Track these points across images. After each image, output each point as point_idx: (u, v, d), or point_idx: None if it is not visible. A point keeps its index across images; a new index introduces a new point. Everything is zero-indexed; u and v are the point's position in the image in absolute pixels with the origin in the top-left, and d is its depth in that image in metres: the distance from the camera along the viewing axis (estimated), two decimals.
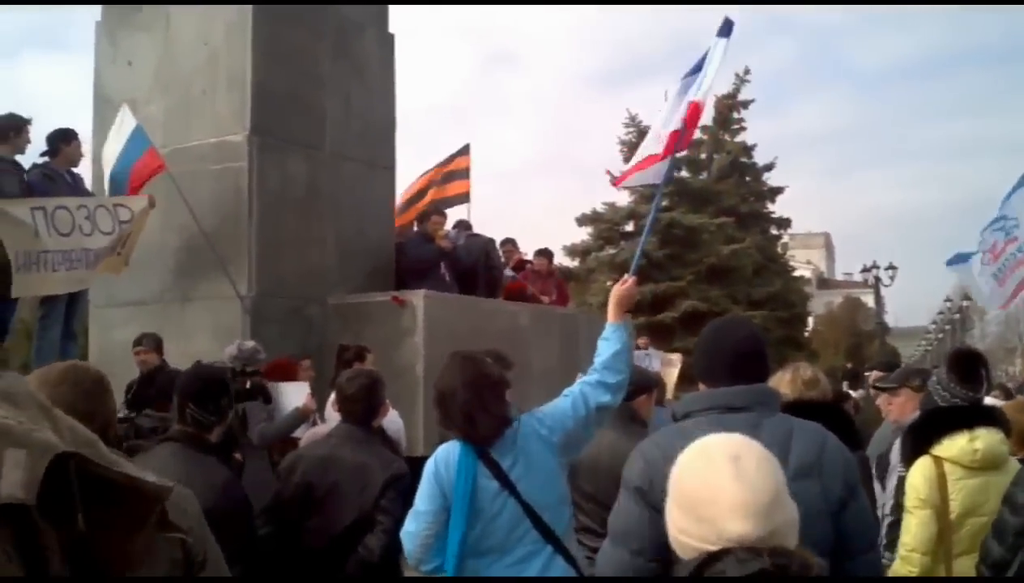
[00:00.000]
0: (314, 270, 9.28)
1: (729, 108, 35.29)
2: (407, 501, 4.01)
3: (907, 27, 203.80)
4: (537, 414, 3.63)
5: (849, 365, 21.72)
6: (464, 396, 3.47)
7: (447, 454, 3.54)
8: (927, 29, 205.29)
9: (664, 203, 32.39)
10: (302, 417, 6.75)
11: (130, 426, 6.10)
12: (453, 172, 12.63)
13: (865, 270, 38.04)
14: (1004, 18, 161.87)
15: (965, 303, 51.13)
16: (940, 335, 62.65)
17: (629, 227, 33.28)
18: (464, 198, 12.52)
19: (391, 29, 10.71)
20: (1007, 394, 9.73)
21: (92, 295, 8.76)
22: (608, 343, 3.71)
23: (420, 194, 12.54)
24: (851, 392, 10.77)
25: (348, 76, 9.93)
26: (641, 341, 11.37)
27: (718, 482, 1.70)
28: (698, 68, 5.48)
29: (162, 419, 5.58)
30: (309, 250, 9.27)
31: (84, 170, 8.75)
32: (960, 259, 10.97)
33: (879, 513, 4.42)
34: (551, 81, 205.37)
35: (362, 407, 4.70)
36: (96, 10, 9.94)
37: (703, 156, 35.49)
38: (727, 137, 35.52)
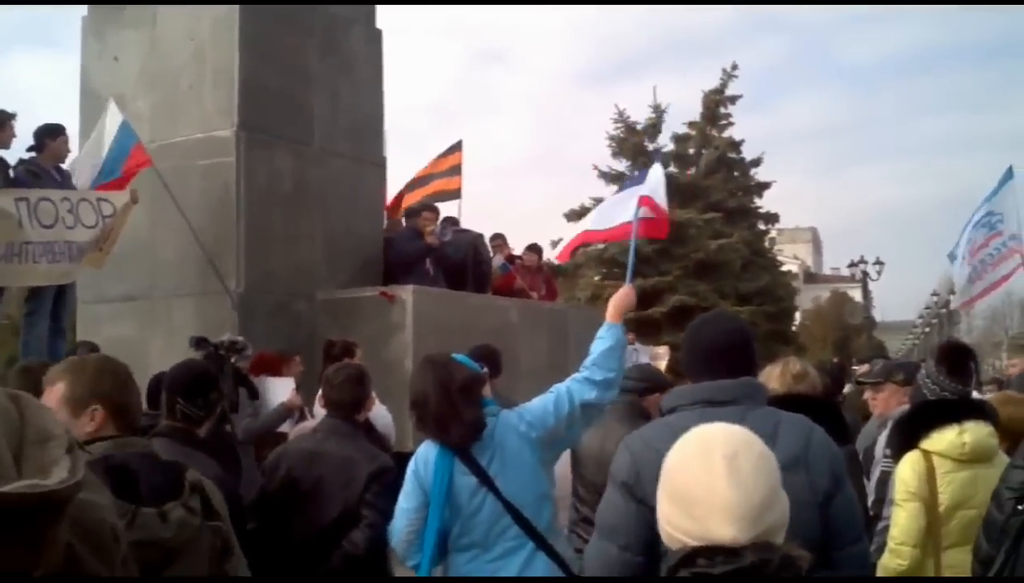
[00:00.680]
0: (302, 266, 9.27)
1: (717, 103, 35.35)
2: (392, 495, 4.03)
3: (898, 23, 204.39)
4: (519, 410, 3.65)
5: (836, 359, 21.79)
6: (435, 402, 3.51)
7: (426, 452, 3.60)
8: (918, 25, 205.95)
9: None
10: (287, 412, 6.75)
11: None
12: (446, 169, 12.65)
13: (852, 265, 38.32)
14: (996, 14, 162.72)
15: (951, 297, 51.39)
16: (927, 329, 62.87)
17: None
18: (456, 194, 12.54)
19: (379, 26, 10.72)
20: (1001, 387, 9.76)
21: (80, 291, 8.74)
22: (601, 341, 3.75)
23: (412, 187, 12.56)
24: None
25: (336, 72, 9.92)
26: (628, 336, 11.37)
27: (712, 482, 1.69)
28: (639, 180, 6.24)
29: (153, 416, 5.59)
30: (297, 246, 9.26)
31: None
32: (955, 254, 11.06)
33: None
34: (539, 78, 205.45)
35: (347, 401, 4.70)
36: (83, 7, 9.92)
37: (691, 151, 35.58)
38: (715, 132, 35.58)
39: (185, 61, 9.10)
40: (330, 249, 9.56)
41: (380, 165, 10.62)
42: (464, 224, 11.64)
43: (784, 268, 40.35)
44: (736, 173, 35.70)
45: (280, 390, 6.98)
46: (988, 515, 3.16)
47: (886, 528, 4.11)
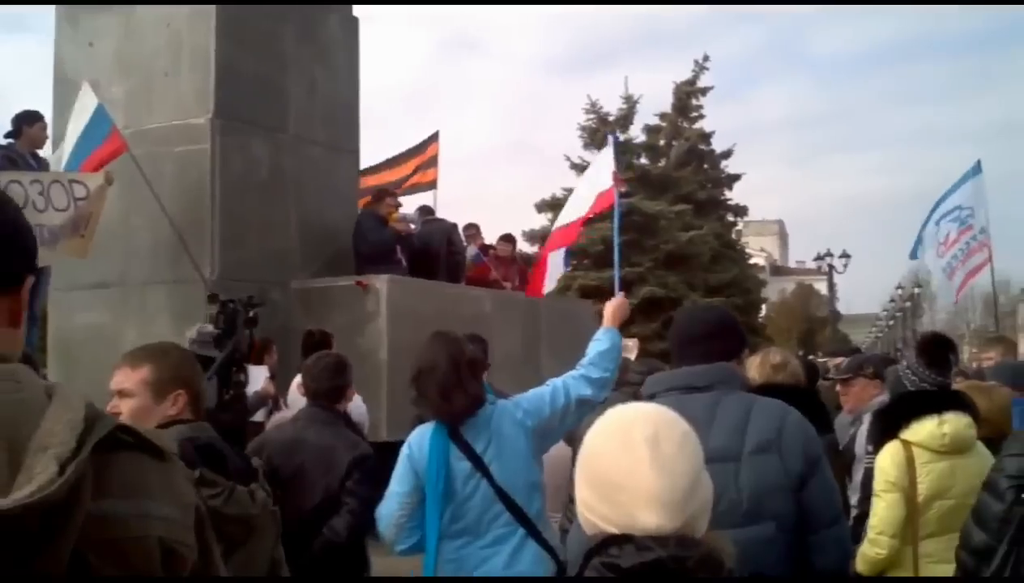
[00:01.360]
0: (277, 254, 9.26)
1: (688, 95, 35.45)
2: (373, 483, 4.06)
3: (869, 16, 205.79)
4: (515, 399, 3.71)
5: (801, 353, 22.02)
6: (442, 371, 3.53)
7: (420, 436, 3.61)
8: (888, 18, 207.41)
9: (623, 189, 32.52)
10: (261, 400, 6.77)
11: None
12: (426, 161, 12.69)
13: (819, 258, 38.53)
14: (967, 10, 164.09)
15: (916, 290, 52.04)
16: (891, 322, 63.64)
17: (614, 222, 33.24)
18: (432, 185, 12.59)
19: (355, 13, 10.71)
20: (968, 379, 9.90)
21: (52, 278, 8.67)
22: (598, 343, 3.86)
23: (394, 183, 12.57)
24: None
25: (312, 59, 9.90)
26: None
27: (634, 469, 1.58)
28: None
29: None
30: (272, 233, 9.25)
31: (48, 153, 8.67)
32: (917, 250, 11.22)
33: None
34: (512, 67, 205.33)
35: (328, 389, 4.71)
36: None
37: (662, 143, 35.66)
38: (686, 124, 35.68)
39: (161, 47, 9.05)
40: (305, 237, 9.56)
41: (354, 153, 10.62)
42: (438, 213, 11.67)
43: (752, 261, 40.62)
44: (706, 165, 35.84)
45: (253, 378, 6.99)
46: (981, 504, 3.15)
47: (856, 517, 4.18)
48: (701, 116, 35.95)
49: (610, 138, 6.37)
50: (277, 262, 9.23)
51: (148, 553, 1.13)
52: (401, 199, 10.99)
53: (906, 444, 3.84)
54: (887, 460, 3.86)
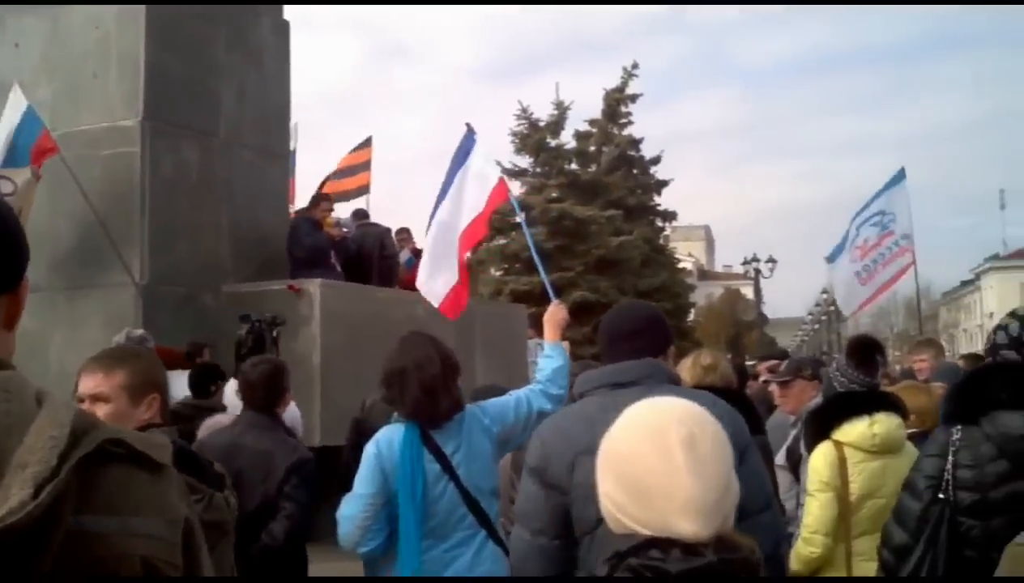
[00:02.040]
0: (208, 258, 9.18)
1: (618, 101, 35.77)
2: (311, 487, 4.07)
3: (793, 26, 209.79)
4: (480, 405, 3.77)
5: (730, 355, 22.37)
6: (430, 372, 3.55)
7: (390, 436, 3.57)
8: (814, 29, 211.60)
9: (554, 194, 32.75)
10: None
11: None
12: (355, 165, 12.66)
13: (746, 262, 39.13)
14: (889, 19, 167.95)
15: (828, 296, 53.15)
16: (816, 326, 64.93)
17: (519, 218, 33.36)
18: (364, 190, 12.58)
19: (286, 17, 10.66)
20: (893, 383, 10.17)
21: None
22: (551, 360, 3.99)
23: (329, 177, 12.57)
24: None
25: (243, 63, 9.84)
26: (529, 332, 11.56)
27: (673, 475, 1.55)
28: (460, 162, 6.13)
29: (195, 407, 6.22)
30: (203, 237, 9.17)
31: None
32: (836, 254, 11.49)
33: (795, 503, 4.51)
34: (441, 74, 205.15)
35: (265, 394, 4.70)
36: None
37: (592, 148, 35.92)
38: (616, 130, 35.99)
39: (89, 49, 8.92)
40: (236, 241, 9.49)
41: (285, 157, 10.56)
42: (372, 218, 11.67)
43: (680, 265, 41.11)
44: (636, 171, 36.18)
45: (176, 384, 6.92)
46: (900, 504, 3.20)
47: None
48: (630, 122, 36.28)
49: (467, 128, 6.24)
50: (208, 266, 9.15)
51: (130, 572, 1.09)
52: (335, 204, 10.98)
53: (838, 444, 3.91)
54: (820, 460, 3.93)
